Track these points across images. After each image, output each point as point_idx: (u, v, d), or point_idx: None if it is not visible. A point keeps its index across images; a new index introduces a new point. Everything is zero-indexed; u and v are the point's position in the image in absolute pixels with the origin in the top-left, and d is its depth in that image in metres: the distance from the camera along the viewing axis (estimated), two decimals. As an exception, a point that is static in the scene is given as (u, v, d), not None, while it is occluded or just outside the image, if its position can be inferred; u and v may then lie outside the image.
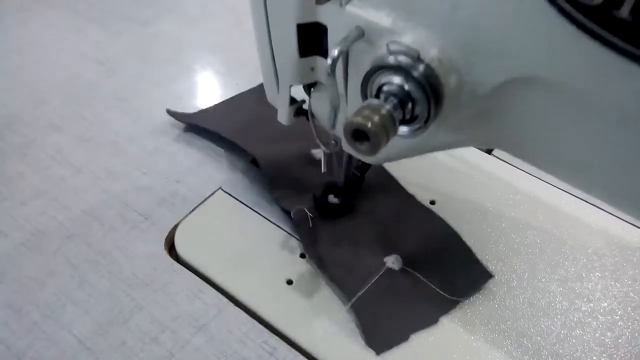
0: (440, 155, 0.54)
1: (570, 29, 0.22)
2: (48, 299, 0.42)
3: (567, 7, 0.21)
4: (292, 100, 0.40)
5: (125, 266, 0.45)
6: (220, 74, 0.65)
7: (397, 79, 0.27)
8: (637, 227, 0.49)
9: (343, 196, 0.47)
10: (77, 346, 0.40)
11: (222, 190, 0.50)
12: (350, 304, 0.42)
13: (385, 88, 0.27)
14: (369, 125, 0.25)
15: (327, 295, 0.43)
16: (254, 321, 0.41)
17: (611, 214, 0.50)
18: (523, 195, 0.52)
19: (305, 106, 0.40)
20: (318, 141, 0.41)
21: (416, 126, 0.28)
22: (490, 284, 0.44)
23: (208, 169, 0.53)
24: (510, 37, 0.24)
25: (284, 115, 0.40)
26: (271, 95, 0.40)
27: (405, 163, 0.53)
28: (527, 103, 0.26)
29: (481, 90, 0.26)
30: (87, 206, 0.49)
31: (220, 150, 0.54)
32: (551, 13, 0.22)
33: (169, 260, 0.45)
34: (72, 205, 0.49)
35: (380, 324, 0.41)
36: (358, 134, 0.26)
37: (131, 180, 0.51)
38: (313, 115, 0.40)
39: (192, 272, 0.44)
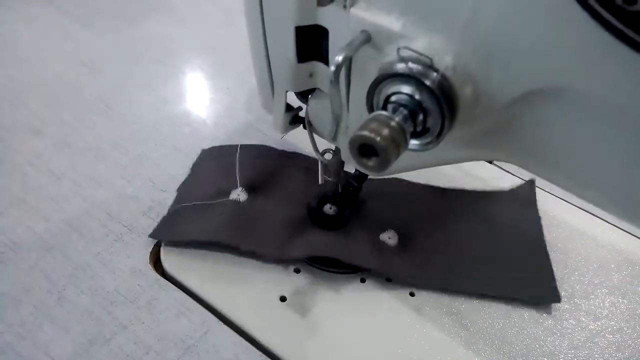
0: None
1: (605, 36, 0.20)
2: (23, 318, 0.39)
3: (602, 11, 0.19)
4: (288, 107, 0.37)
5: (107, 281, 0.42)
6: (210, 76, 0.63)
7: (407, 88, 0.24)
8: (644, 240, 0.48)
9: (339, 207, 0.45)
10: (54, 370, 0.37)
11: (212, 199, 0.48)
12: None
13: (393, 98, 0.25)
14: (378, 139, 0.23)
15: (322, 312, 0.41)
16: (245, 341, 0.39)
17: (617, 227, 0.48)
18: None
19: (302, 114, 0.38)
20: (315, 151, 0.38)
21: (427, 139, 0.25)
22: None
23: (196, 177, 0.50)
24: (535, 43, 0.22)
25: (278, 123, 0.38)
26: (265, 102, 0.38)
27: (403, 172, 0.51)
28: (551, 117, 0.24)
29: (499, 101, 0.24)
30: (67, 216, 0.46)
31: (210, 157, 0.52)
32: (583, 18, 0.20)
33: (154, 276, 0.42)
34: (51, 216, 0.46)
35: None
36: (365, 149, 0.23)
37: (115, 189, 0.49)
38: (310, 124, 0.37)
39: (179, 288, 0.42)
